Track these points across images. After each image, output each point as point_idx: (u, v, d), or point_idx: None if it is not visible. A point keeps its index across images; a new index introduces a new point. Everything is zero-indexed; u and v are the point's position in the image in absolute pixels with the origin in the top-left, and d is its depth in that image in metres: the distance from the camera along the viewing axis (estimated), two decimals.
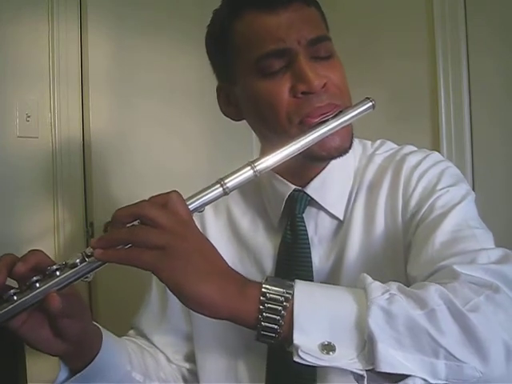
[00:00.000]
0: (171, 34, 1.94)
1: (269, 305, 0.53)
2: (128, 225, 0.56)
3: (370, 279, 0.55)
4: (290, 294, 0.53)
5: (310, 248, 0.80)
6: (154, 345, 0.88)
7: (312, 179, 0.80)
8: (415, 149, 0.84)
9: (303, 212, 0.81)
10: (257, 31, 0.73)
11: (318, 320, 0.52)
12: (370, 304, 0.51)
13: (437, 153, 0.82)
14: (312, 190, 0.80)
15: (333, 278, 0.78)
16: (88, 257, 0.55)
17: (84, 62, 1.77)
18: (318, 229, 0.81)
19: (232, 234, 0.88)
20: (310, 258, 0.80)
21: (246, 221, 0.87)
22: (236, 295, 0.54)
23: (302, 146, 0.68)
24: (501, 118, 1.66)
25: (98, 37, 1.80)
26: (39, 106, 1.67)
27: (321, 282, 0.77)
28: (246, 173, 0.63)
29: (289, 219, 0.82)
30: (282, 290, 0.54)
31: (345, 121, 0.71)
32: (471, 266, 0.59)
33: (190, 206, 0.59)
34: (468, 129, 1.72)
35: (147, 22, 1.89)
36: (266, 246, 0.84)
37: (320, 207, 0.81)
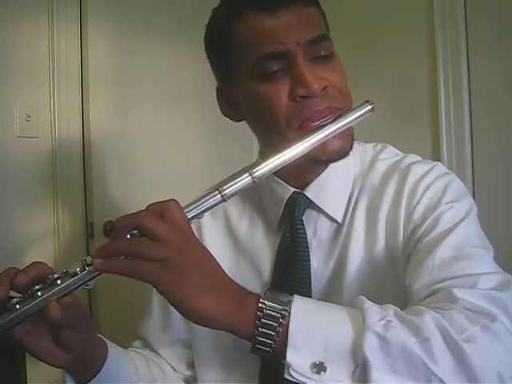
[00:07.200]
0: (171, 34, 1.95)
1: (265, 320, 0.54)
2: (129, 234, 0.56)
3: (368, 303, 0.56)
4: (286, 310, 0.54)
5: (308, 251, 0.79)
6: (159, 355, 0.88)
7: (311, 181, 0.80)
8: (419, 158, 0.83)
9: (303, 214, 0.80)
10: (256, 33, 0.72)
11: (313, 339, 0.52)
12: (367, 329, 0.51)
13: (441, 164, 0.82)
14: (311, 192, 0.80)
15: (334, 282, 0.78)
16: (88, 265, 0.56)
17: (84, 62, 1.78)
18: (317, 232, 0.80)
19: (229, 238, 0.87)
20: (309, 260, 0.79)
21: (244, 224, 0.87)
22: (234, 309, 0.54)
23: (301, 150, 0.67)
24: (501, 118, 1.66)
25: (98, 37, 1.80)
26: (39, 106, 1.67)
27: (320, 287, 0.77)
28: (244, 179, 0.62)
29: (288, 222, 0.81)
30: (279, 306, 0.54)
31: (344, 124, 0.70)
32: (470, 290, 0.59)
33: (188, 214, 0.59)
34: (468, 129, 1.72)
35: (147, 22, 1.89)
36: (263, 249, 0.84)
37: (319, 210, 0.80)
